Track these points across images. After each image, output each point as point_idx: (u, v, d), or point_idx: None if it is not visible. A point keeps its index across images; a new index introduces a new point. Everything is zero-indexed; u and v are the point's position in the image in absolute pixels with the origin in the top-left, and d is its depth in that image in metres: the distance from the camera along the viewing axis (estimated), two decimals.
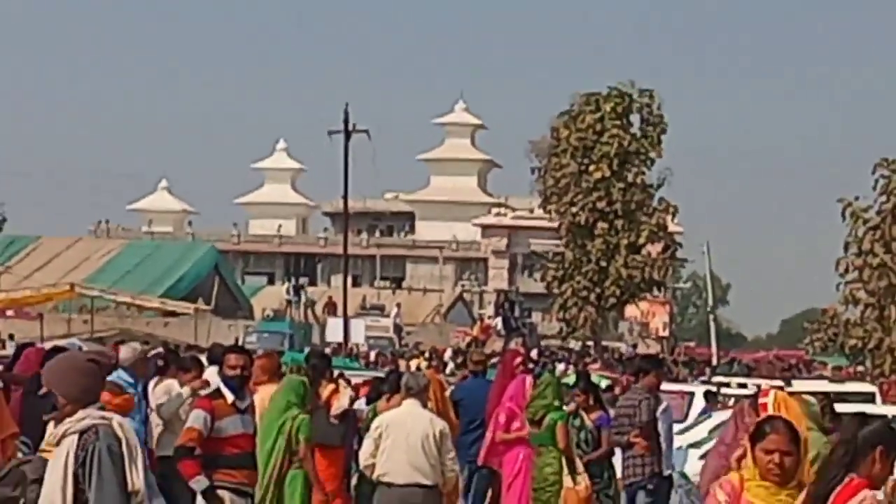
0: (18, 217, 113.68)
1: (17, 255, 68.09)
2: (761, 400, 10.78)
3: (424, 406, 12.82)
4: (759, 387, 23.64)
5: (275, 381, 13.37)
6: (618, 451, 14.76)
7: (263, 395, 12.94)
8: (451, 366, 33.22)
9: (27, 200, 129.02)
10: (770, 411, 10.43)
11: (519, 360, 16.60)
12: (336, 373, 15.88)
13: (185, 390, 13.59)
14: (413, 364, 30.84)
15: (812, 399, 13.13)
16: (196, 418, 11.03)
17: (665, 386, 17.04)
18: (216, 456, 10.96)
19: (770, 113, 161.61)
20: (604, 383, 22.61)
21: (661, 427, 14.37)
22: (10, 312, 46.61)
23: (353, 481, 14.42)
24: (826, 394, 19.61)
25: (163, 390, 13.87)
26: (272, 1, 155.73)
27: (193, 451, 10.92)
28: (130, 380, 13.17)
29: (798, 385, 26.19)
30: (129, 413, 12.48)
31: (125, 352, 13.87)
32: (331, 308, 59.44)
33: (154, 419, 13.79)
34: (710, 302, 67.91)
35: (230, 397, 11.13)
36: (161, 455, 13.08)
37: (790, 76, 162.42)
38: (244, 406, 11.25)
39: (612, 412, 16.49)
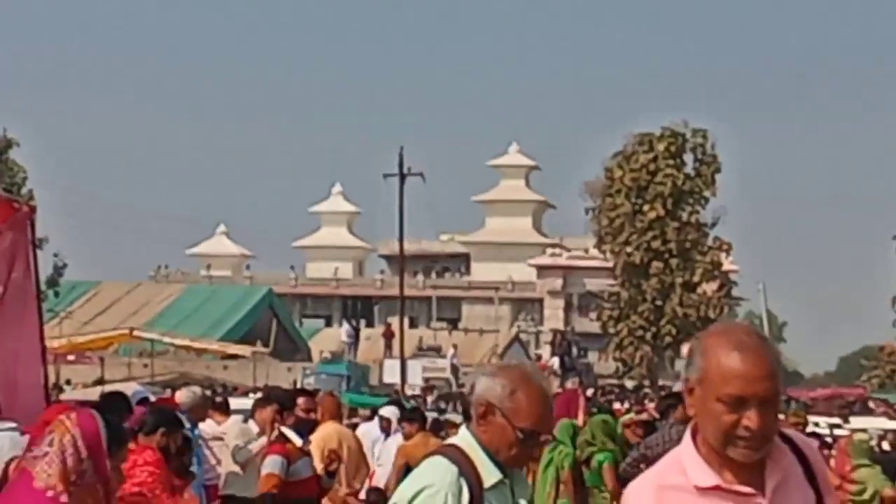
0: (79, 262, 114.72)
1: (77, 301, 68.87)
2: None
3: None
4: (817, 424, 23.70)
5: (333, 421, 13.52)
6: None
7: (323, 435, 13.14)
8: None
9: (88, 246, 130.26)
10: None
11: (582, 402, 16.64)
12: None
13: (262, 440, 13.02)
14: None
15: (864, 435, 13.28)
16: (274, 464, 10.97)
17: None
18: (295, 500, 11.00)
19: (824, 149, 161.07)
20: None
21: None
22: (70, 357, 47.00)
23: None
24: None
25: (238, 432, 13.52)
26: (328, 46, 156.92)
27: (275, 497, 10.94)
28: (188, 424, 13.16)
29: (856, 422, 26.19)
30: None
31: (185, 395, 13.68)
32: (389, 336, 59.66)
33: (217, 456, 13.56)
34: None
35: (298, 441, 11.21)
36: (226, 494, 13.13)
37: (845, 112, 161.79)
38: (308, 449, 11.41)
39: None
